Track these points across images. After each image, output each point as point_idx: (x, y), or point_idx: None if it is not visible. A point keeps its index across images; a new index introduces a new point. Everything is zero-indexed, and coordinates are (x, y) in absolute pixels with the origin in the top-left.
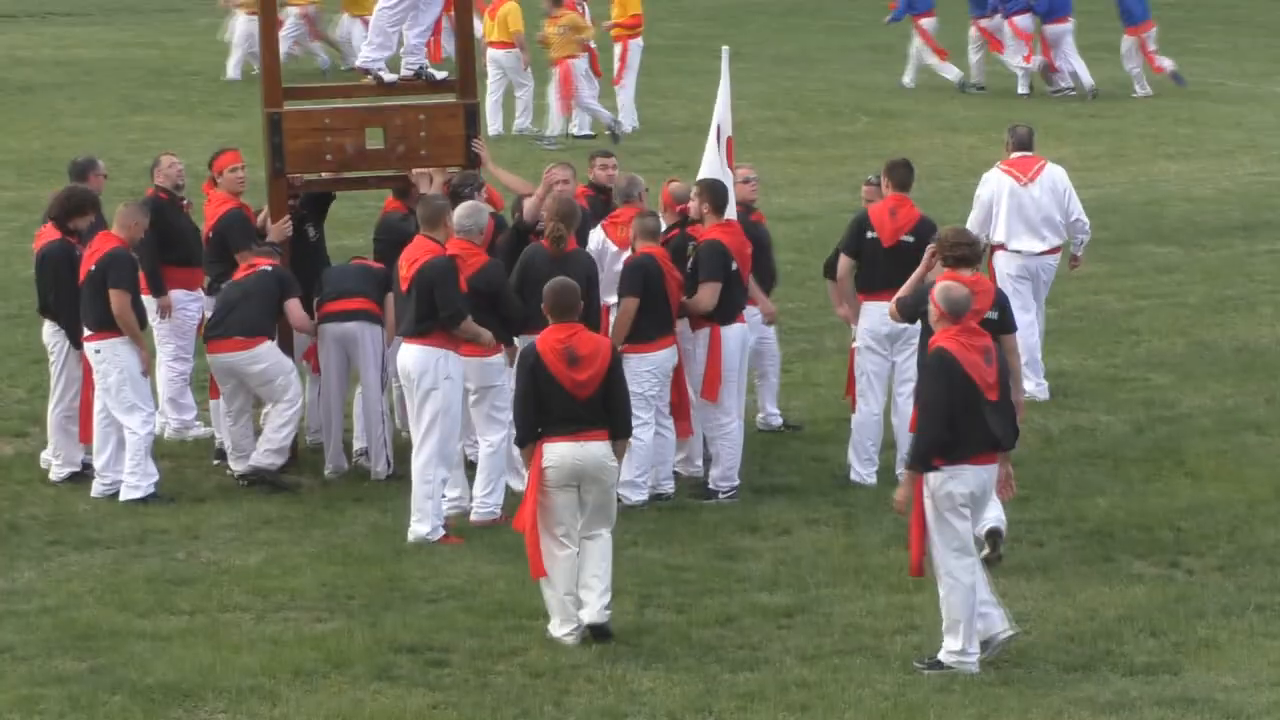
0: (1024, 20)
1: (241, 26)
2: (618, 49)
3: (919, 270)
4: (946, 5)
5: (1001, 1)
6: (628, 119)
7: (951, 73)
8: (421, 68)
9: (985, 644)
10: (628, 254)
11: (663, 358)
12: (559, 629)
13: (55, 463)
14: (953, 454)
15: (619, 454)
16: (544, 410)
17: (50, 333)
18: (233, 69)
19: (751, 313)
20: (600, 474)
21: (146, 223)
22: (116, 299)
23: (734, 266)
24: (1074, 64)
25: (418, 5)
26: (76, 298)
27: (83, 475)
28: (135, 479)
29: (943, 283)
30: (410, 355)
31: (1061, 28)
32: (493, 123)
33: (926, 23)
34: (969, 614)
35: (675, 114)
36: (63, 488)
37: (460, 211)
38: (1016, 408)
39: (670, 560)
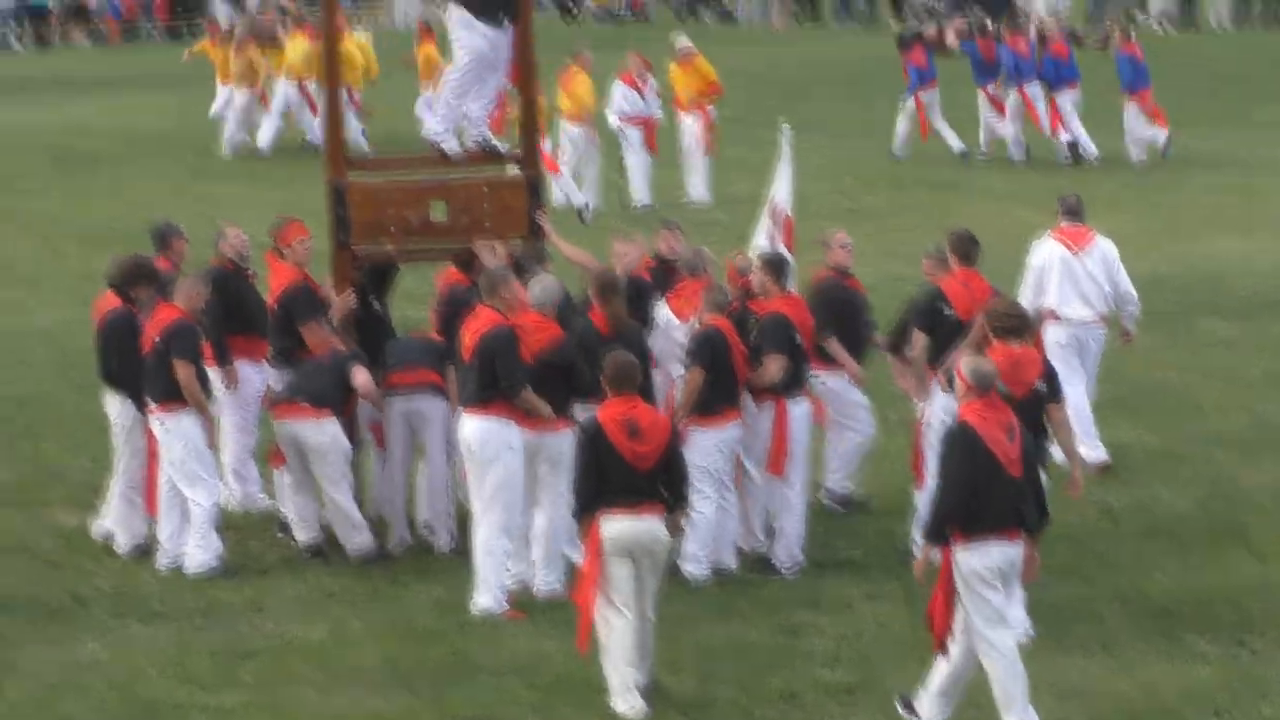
0: (1034, 89)
1: (240, 99)
2: (692, 119)
3: (969, 340)
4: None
5: (1014, 71)
6: (703, 191)
7: (954, 142)
8: (485, 139)
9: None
10: (692, 326)
11: (728, 431)
12: (620, 703)
13: (120, 535)
14: (973, 528)
15: (677, 527)
16: (604, 482)
17: (113, 402)
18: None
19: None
20: (655, 546)
21: (207, 293)
22: (181, 371)
23: (798, 339)
24: (1076, 132)
25: (482, 77)
26: (138, 366)
27: (148, 548)
28: (200, 551)
29: (970, 357)
30: (471, 426)
31: (1069, 95)
32: (568, 195)
33: (926, 95)
34: (1021, 686)
35: (739, 186)
36: (128, 560)
37: (535, 285)
38: (1073, 484)
39: (732, 635)
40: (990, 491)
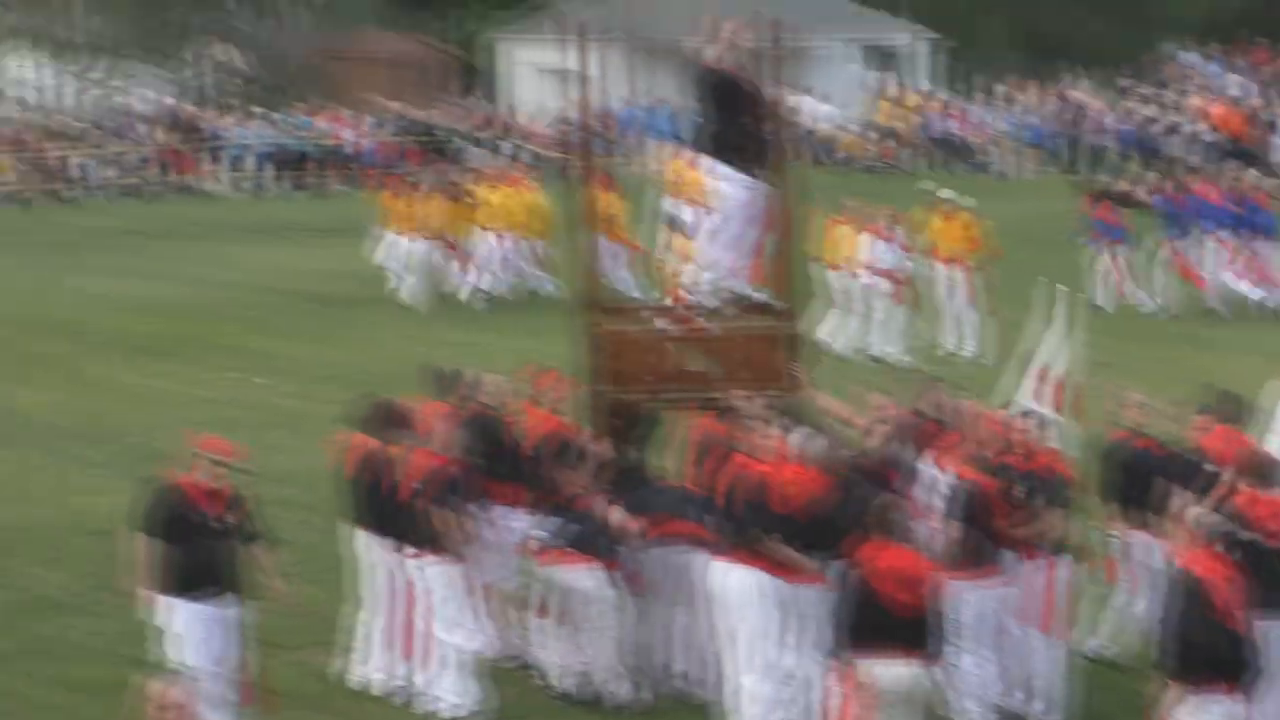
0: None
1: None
2: (951, 272)
3: (1217, 491)
4: None
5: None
6: (957, 344)
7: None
8: (743, 291)
9: None
10: (953, 478)
11: (992, 586)
12: None
13: (378, 678)
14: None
15: (934, 677)
16: (864, 628)
17: (367, 545)
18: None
19: None
20: (915, 694)
21: (465, 440)
22: (439, 519)
23: (1069, 496)
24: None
25: (739, 228)
26: (393, 509)
27: (406, 692)
28: (456, 697)
29: (1195, 509)
30: (722, 574)
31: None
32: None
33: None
34: None
35: (994, 339)
36: (386, 704)
37: (797, 436)
38: None
39: None
40: (1210, 640)
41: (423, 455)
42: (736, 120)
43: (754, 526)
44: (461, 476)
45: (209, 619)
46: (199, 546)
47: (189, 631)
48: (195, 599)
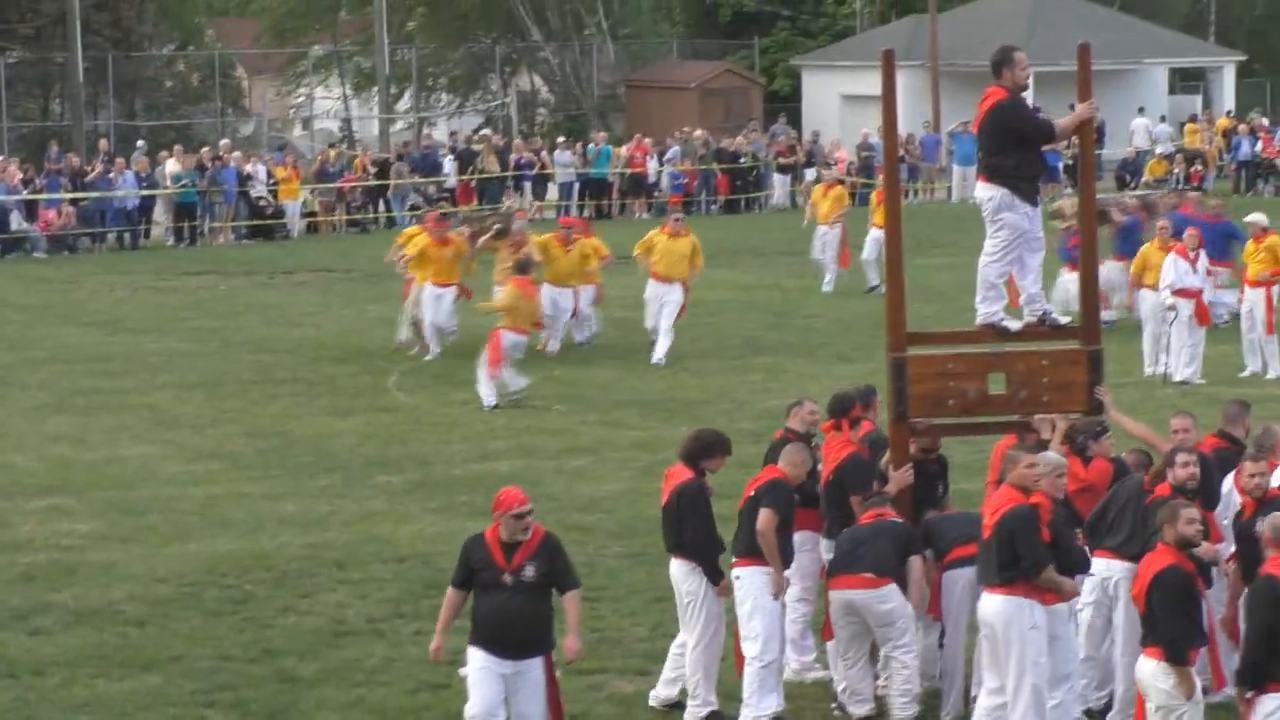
0: None
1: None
2: (1258, 294)
3: None
4: None
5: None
6: (1274, 365)
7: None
8: (1045, 313)
9: None
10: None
11: None
12: None
13: (693, 703)
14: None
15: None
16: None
17: (683, 572)
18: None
19: None
20: None
21: (810, 464)
22: (765, 518)
23: None
24: None
25: (1022, 256)
26: (709, 537)
27: (719, 715)
28: (751, 709)
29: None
30: (993, 605)
31: None
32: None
33: None
34: None
35: None
36: None
37: (1045, 462)
38: None
39: None
40: None
41: (766, 471)
42: (1021, 149)
43: (1024, 557)
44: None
45: (489, 671)
46: (492, 600)
47: (471, 678)
48: (483, 648)
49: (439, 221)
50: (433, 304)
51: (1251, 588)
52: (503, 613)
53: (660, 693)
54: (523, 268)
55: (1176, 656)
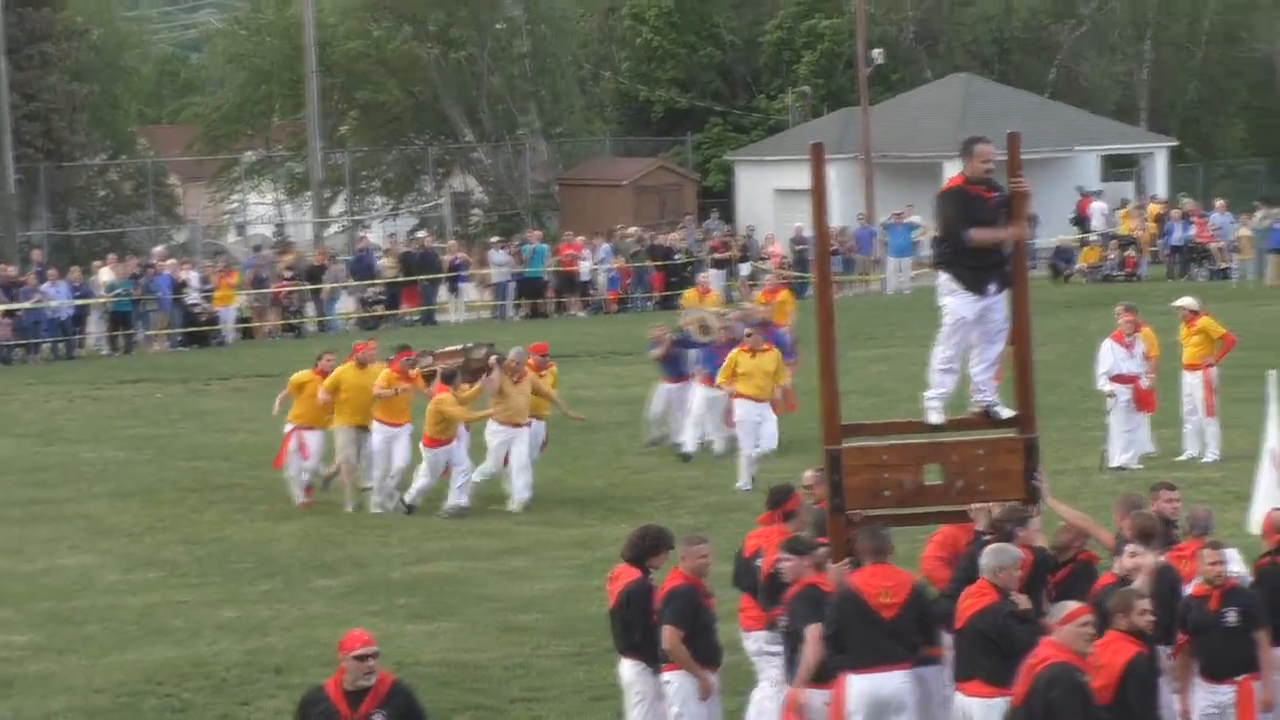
0: None
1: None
2: (1195, 378)
3: None
4: None
5: None
6: (1198, 448)
7: None
8: (989, 405)
9: None
10: (1195, 585)
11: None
12: None
13: None
14: None
15: None
16: None
17: (633, 672)
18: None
19: None
20: None
21: (705, 554)
22: (667, 636)
23: None
24: None
25: (975, 343)
26: (649, 634)
27: None
28: None
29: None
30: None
31: None
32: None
33: None
34: None
35: (1236, 443)
36: None
37: (988, 553)
38: None
39: None
40: None
41: (670, 575)
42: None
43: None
44: (698, 595)
45: None
46: None
47: None
48: None
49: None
50: (385, 447)
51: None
52: None
53: None
54: (448, 377)
55: None
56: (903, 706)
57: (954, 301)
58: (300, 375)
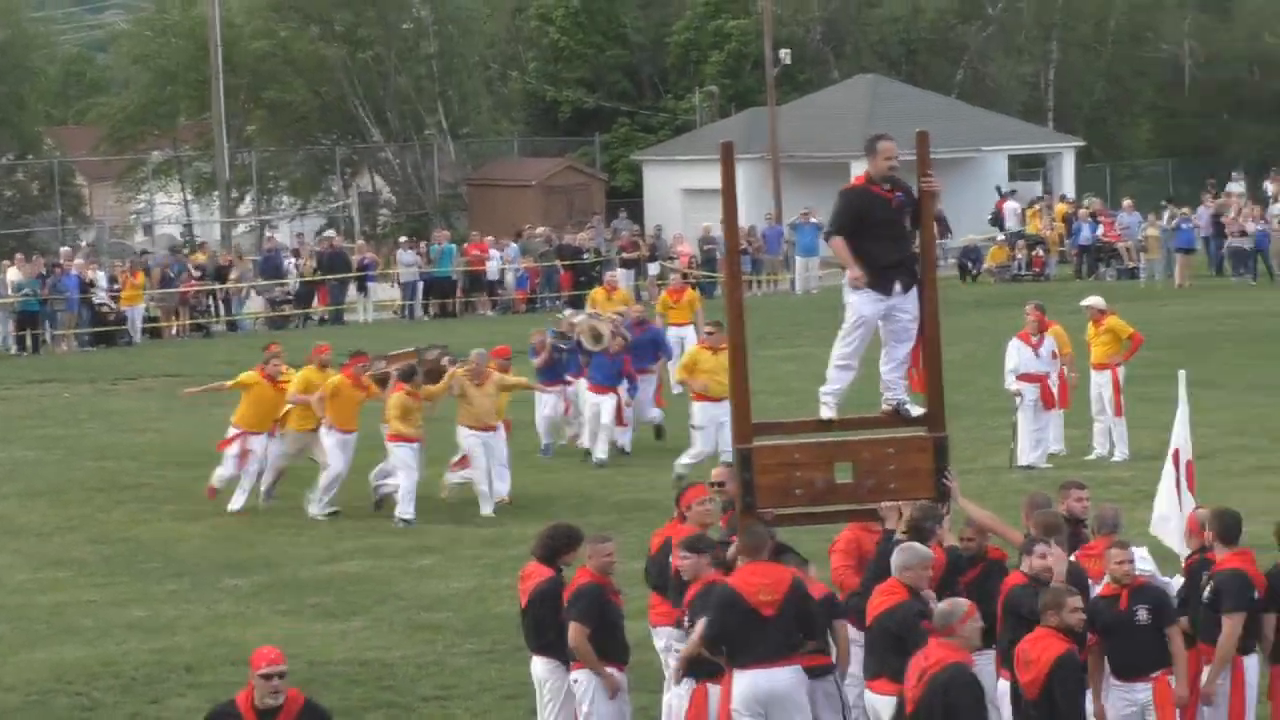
0: None
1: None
2: (1103, 378)
3: None
4: None
5: None
6: (1107, 447)
7: None
8: (899, 404)
9: None
10: (1104, 584)
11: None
12: None
13: None
14: None
15: None
16: None
17: (546, 670)
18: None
19: None
20: None
21: (610, 552)
22: (573, 633)
23: (1256, 595)
24: None
25: (884, 341)
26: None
27: None
28: None
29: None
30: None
31: None
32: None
33: None
34: None
35: (1144, 443)
36: None
37: (899, 552)
38: None
39: None
40: None
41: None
42: (883, 238)
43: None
44: (604, 593)
45: None
46: None
47: None
48: None
49: (357, 360)
50: (339, 451)
51: None
52: None
53: None
54: (406, 374)
55: None
56: (790, 702)
57: (857, 300)
58: (247, 376)
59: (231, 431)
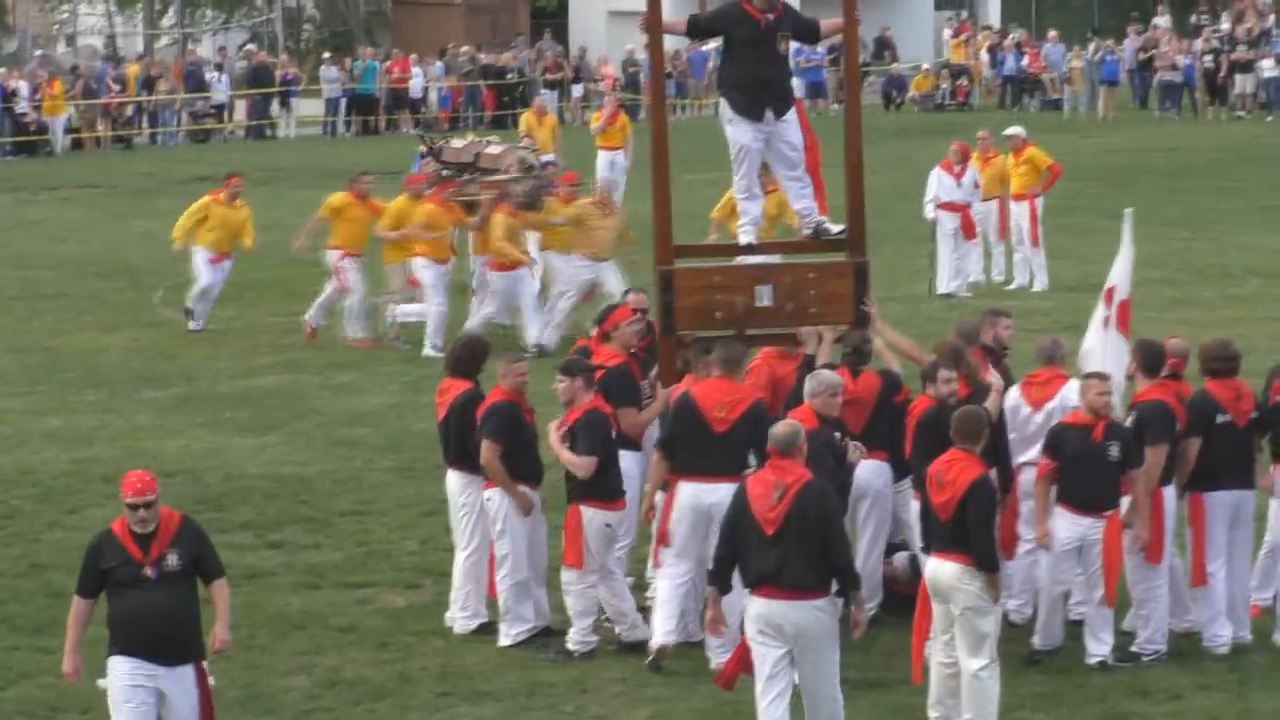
0: None
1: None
2: (1021, 208)
3: None
4: None
5: None
6: (1026, 278)
7: None
8: (817, 225)
9: None
10: (1043, 414)
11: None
12: None
13: (462, 615)
14: None
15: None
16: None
17: (459, 483)
18: None
19: None
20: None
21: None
22: (485, 451)
23: (1177, 427)
24: None
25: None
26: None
27: (488, 628)
28: (506, 625)
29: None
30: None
31: None
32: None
33: None
34: None
35: (1065, 274)
36: (452, 639)
37: (810, 379)
38: None
39: None
40: None
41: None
42: (727, 53)
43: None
44: (517, 410)
45: (136, 689)
46: (132, 599)
47: (114, 697)
48: (126, 655)
49: (442, 184)
50: (439, 285)
51: None
52: (147, 610)
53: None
54: (530, 202)
55: (990, 563)
56: None
57: (733, 130)
58: (336, 199)
59: (334, 257)
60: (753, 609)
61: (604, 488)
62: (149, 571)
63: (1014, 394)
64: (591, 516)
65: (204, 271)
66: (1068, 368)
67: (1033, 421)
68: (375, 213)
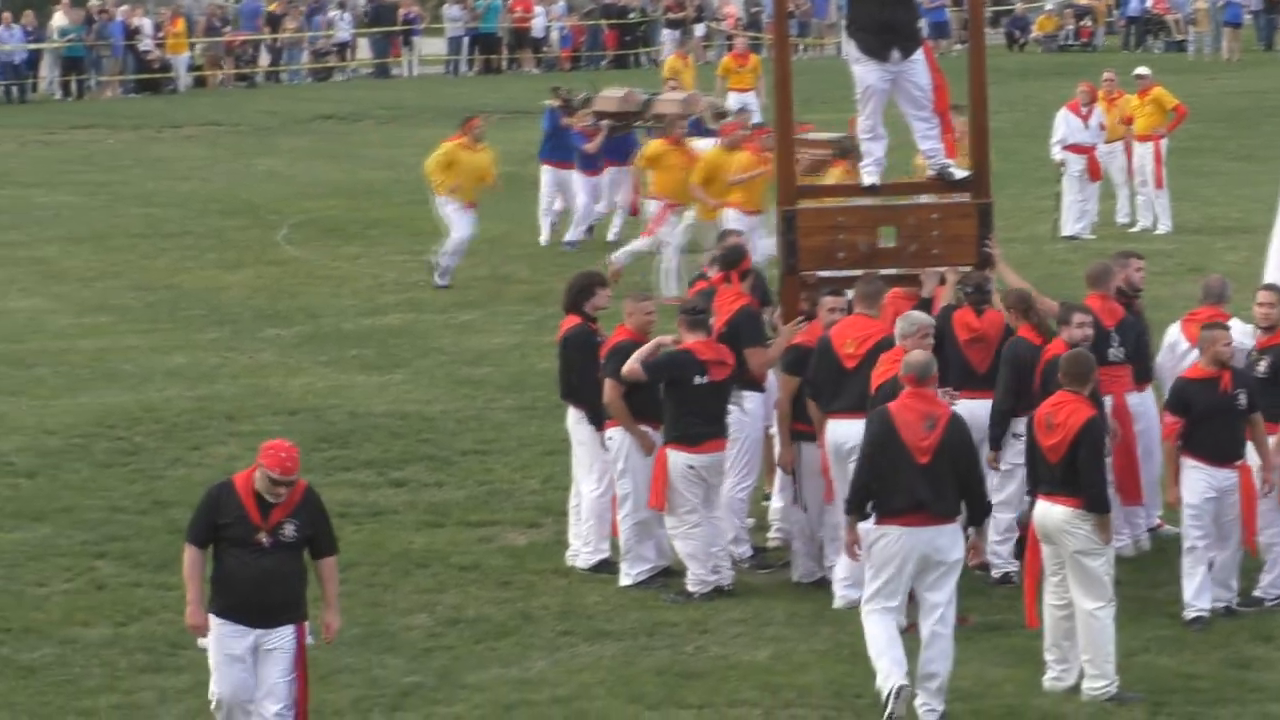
0: None
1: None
2: (1146, 149)
3: None
4: None
5: None
6: (1151, 220)
7: None
8: (942, 168)
9: None
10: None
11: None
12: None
13: (585, 550)
14: None
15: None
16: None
17: (574, 418)
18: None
19: None
20: None
21: (651, 310)
22: (607, 390)
23: None
24: None
25: (909, 111)
26: (597, 384)
27: (608, 565)
28: (627, 564)
29: None
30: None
31: None
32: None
33: None
34: None
35: (1188, 216)
36: (574, 577)
37: (901, 320)
38: None
39: (1182, 668)
40: None
41: (617, 330)
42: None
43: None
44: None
45: (236, 647)
46: (241, 561)
47: (214, 656)
48: (228, 617)
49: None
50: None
51: None
52: (255, 575)
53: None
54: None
55: (1102, 505)
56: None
57: (860, 70)
58: (653, 147)
59: (654, 206)
60: (893, 535)
61: (686, 432)
62: (264, 538)
63: (1174, 330)
64: (676, 459)
65: (458, 222)
66: (1229, 308)
67: (1190, 357)
68: (692, 162)
